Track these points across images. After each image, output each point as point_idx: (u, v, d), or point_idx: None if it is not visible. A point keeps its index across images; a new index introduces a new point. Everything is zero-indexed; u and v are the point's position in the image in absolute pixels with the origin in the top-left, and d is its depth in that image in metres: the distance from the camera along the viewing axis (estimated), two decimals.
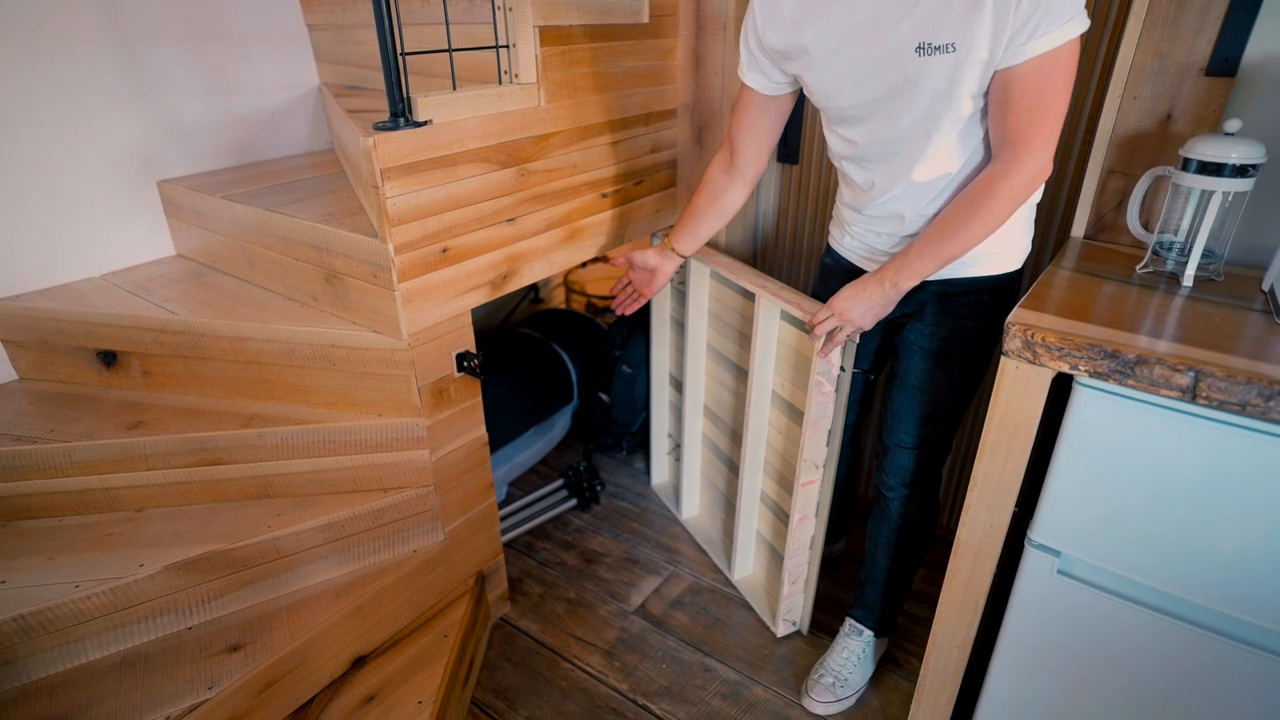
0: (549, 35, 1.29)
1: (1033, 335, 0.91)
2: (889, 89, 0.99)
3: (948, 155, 1.03)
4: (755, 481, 1.56)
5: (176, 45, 1.57)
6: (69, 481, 1.28)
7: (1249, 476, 0.85)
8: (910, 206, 1.10)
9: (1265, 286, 1.04)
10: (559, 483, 2.05)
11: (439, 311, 1.26)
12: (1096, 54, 1.36)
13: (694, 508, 1.92)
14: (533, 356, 2.14)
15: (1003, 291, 1.16)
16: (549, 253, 1.44)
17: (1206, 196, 1.03)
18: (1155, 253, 1.13)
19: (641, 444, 2.22)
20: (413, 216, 1.15)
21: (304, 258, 1.33)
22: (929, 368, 1.20)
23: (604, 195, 1.53)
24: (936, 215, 1.08)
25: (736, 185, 1.29)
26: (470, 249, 1.27)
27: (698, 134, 1.66)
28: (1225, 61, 1.09)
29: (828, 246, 1.34)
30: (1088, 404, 0.93)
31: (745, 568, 1.70)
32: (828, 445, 1.34)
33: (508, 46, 1.26)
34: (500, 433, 1.90)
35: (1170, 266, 1.11)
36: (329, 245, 1.26)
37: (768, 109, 1.18)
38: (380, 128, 1.11)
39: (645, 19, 1.49)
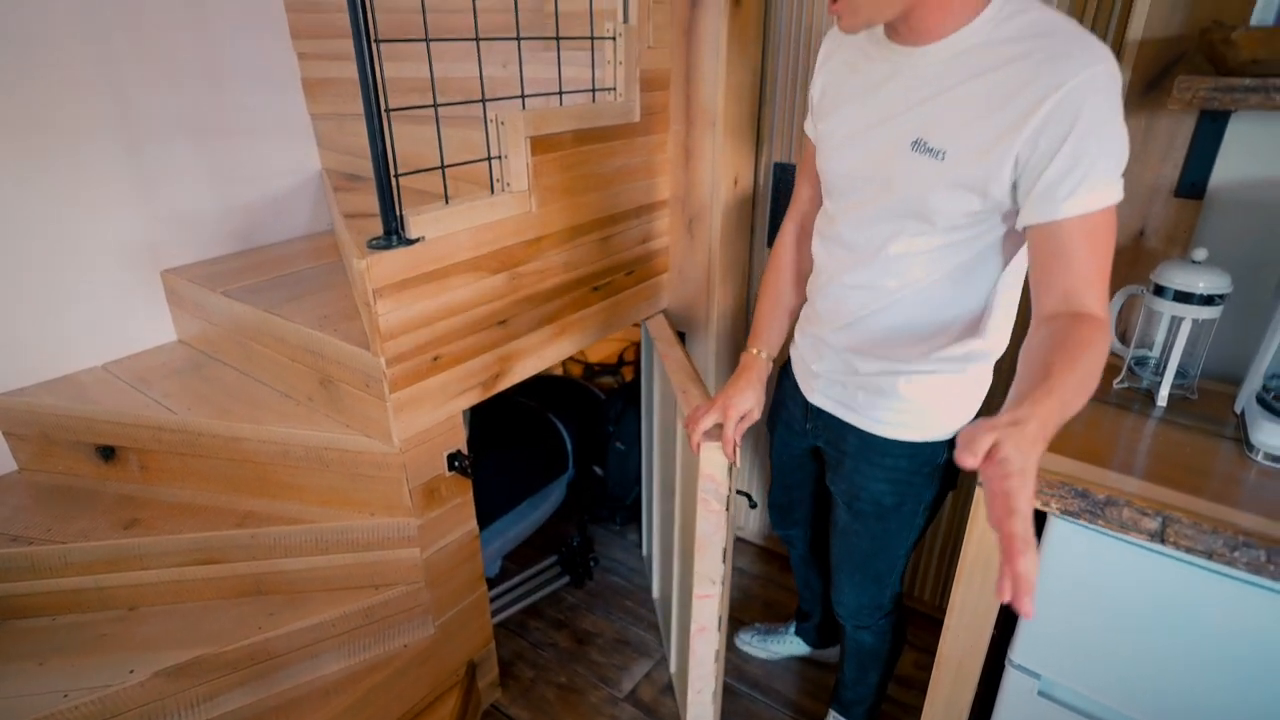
0: (540, 144, 1.33)
1: None
2: (873, 170, 0.94)
3: (905, 268, 0.95)
4: (687, 578, 1.50)
5: (184, 139, 1.62)
6: (64, 582, 1.29)
7: (1218, 616, 0.86)
8: (853, 305, 1.01)
9: (1237, 409, 1.06)
10: (553, 559, 2.06)
11: (430, 416, 1.29)
12: None
13: (670, 586, 1.92)
14: (528, 428, 2.16)
15: (923, 462, 1.06)
16: (540, 349, 1.47)
17: (1177, 321, 1.05)
18: (1131, 369, 1.15)
19: (635, 516, 2.23)
20: (404, 330, 1.18)
21: (300, 360, 1.36)
22: (850, 520, 1.16)
23: (595, 289, 1.56)
24: (884, 334, 1.00)
25: (805, 246, 1.17)
26: (461, 354, 1.30)
27: (689, 224, 1.70)
28: (1193, 185, 1.13)
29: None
30: (1062, 536, 0.94)
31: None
32: (723, 562, 1.20)
33: (500, 157, 1.30)
34: (494, 507, 1.92)
35: (1145, 383, 1.13)
36: (323, 352, 1.29)
37: None
38: (374, 246, 1.14)
39: (636, 118, 1.53)
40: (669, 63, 1.59)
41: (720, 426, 1.08)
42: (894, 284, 0.96)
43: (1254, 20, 0.92)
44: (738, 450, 1.11)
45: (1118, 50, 1.22)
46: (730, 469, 1.09)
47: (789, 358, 1.25)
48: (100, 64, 1.46)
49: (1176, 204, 1.15)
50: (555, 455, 2.17)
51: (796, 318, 1.19)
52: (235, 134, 1.71)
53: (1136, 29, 1.09)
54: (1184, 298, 1.03)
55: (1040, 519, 0.96)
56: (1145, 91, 1.11)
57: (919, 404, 1.01)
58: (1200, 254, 1.04)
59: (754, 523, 2.14)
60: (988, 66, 0.80)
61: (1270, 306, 1.06)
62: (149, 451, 1.42)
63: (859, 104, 0.94)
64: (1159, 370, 1.10)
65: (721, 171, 1.61)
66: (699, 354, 1.82)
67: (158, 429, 1.39)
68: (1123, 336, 1.21)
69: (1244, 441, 0.97)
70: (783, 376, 1.28)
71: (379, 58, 1.04)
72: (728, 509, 1.13)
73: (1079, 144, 0.75)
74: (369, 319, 1.15)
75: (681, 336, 1.80)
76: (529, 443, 2.12)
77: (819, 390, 1.13)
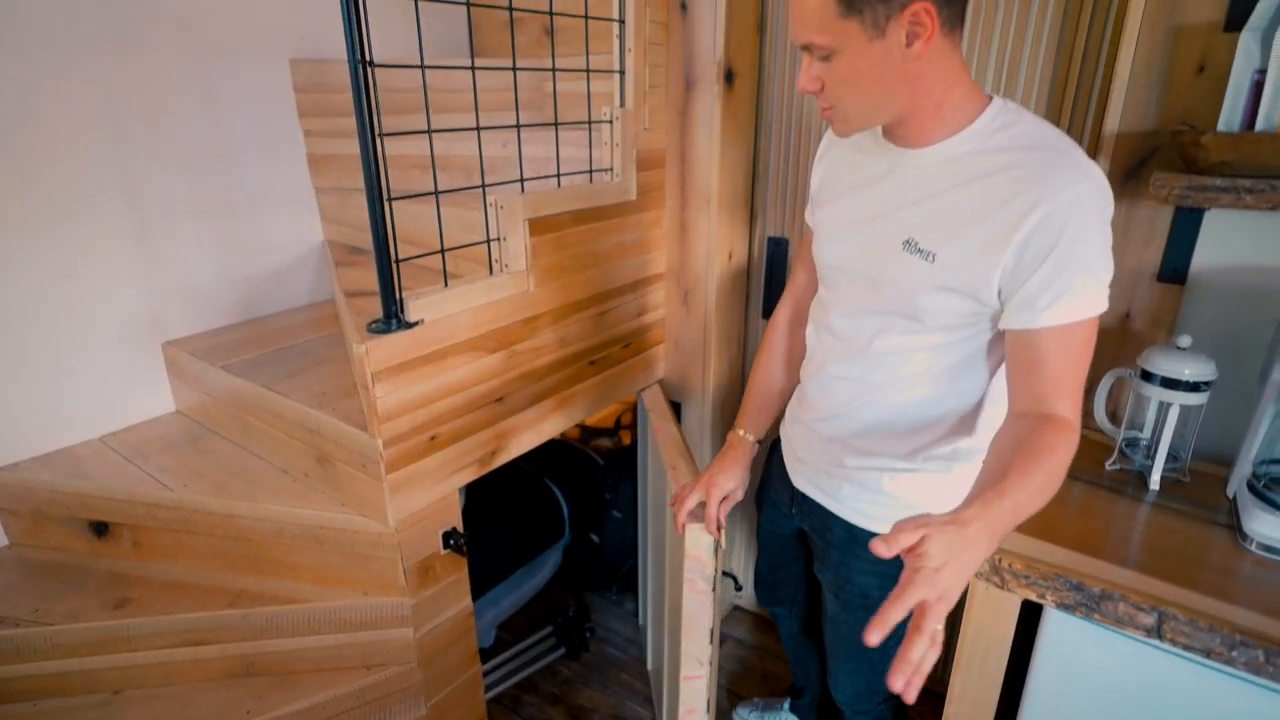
0: (538, 225, 1.36)
1: (1000, 560, 0.93)
2: (865, 265, 0.95)
3: (894, 364, 0.96)
4: (676, 659, 1.48)
5: (191, 214, 1.66)
6: (49, 665, 1.27)
7: (1220, 713, 0.85)
8: (841, 396, 1.02)
9: (1229, 493, 1.07)
10: (548, 630, 2.03)
11: (426, 495, 1.29)
12: None
13: (662, 660, 1.89)
14: (524, 493, 2.14)
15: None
16: (537, 425, 1.48)
17: (1165, 406, 1.07)
18: (1123, 451, 1.16)
19: (631, 585, 2.20)
20: (402, 411, 1.19)
21: (297, 437, 1.37)
22: (839, 609, 1.14)
23: (591, 363, 1.58)
24: (870, 428, 1.01)
25: (798, 330, 1.19)
26: (457, 433, 1.31)
27: (684, 296, 1.73)
28: (1174, 271, 1.16)
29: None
30: (1058, 627, 0.94)
31: None
32: (710, 643, 1.20)
33: (499, 239, 1.33)
34: (489, 576, 1.89)
35: (1137, 465, 1.14)
36: (321, 430, 1.30)
37: None
38: (374, 330, 1.16)
39: (633, 197, 1.57)
40: (665, 143, 1.64)
41: (704, 505, 1.10)
42: (881, 379, 0.97)
43: (1221, 125, 0.95)
44: (723, 531, 1.11)
45: (1096, 142, 1.27)
46: (716, 549, 1.09)
47: (779, 435, 1.26)
48: (112, 143, 1.50)
49: (1160, 288, 1.18)
50: (551, 521, 2.15)
51: (788, 399, 1.21)
52: (240, 208, 1.75)
53: (1113, 123, 1.14)
54: (1171, 384, 1.05)
55: (1036, 610, 0.96)
56: (1124, 181, 1.15)
57: (904, 500, 1.01)
58: (1184, 340, 1.06)
59: (751, 590, 2.12)
60: (978, 174, 0.83)
61: (1255, 392, 1.07)
62: (143, 528, 1.41)
63: (855, 198, 0.97)
64: (1150, 453, 1.11)
65: (716, 246, 1.65)
66: (694, 423, 1.83)
67: (152, 505, 1.38)
68: (1113, 416, 1.23)
69: (1237, 529, 0.98)
70: (772, 453, 1.29)
71: (383, 152, 1.08)
72: (714, 589, 1.13)
73: (1062, 257, 0.77)
74: (367, 401, 1.16)
75: (677, 406, 1.82)
76: (525, 508, 2.11)
77: (804, 476, 1.13)
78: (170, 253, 1.64)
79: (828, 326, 1.04)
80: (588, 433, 2.76)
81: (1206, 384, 1.04)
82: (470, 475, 1.37)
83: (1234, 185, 0.90)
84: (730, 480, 1.13)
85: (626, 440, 2.71)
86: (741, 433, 1.18)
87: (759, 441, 1.19)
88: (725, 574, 1.15)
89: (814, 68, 0.84)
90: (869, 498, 1.03)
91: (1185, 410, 1.06)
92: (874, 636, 0.62)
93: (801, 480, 1.14)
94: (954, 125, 0.85)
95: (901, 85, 0.82)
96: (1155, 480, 1.09)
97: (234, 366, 1.51)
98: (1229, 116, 0.95)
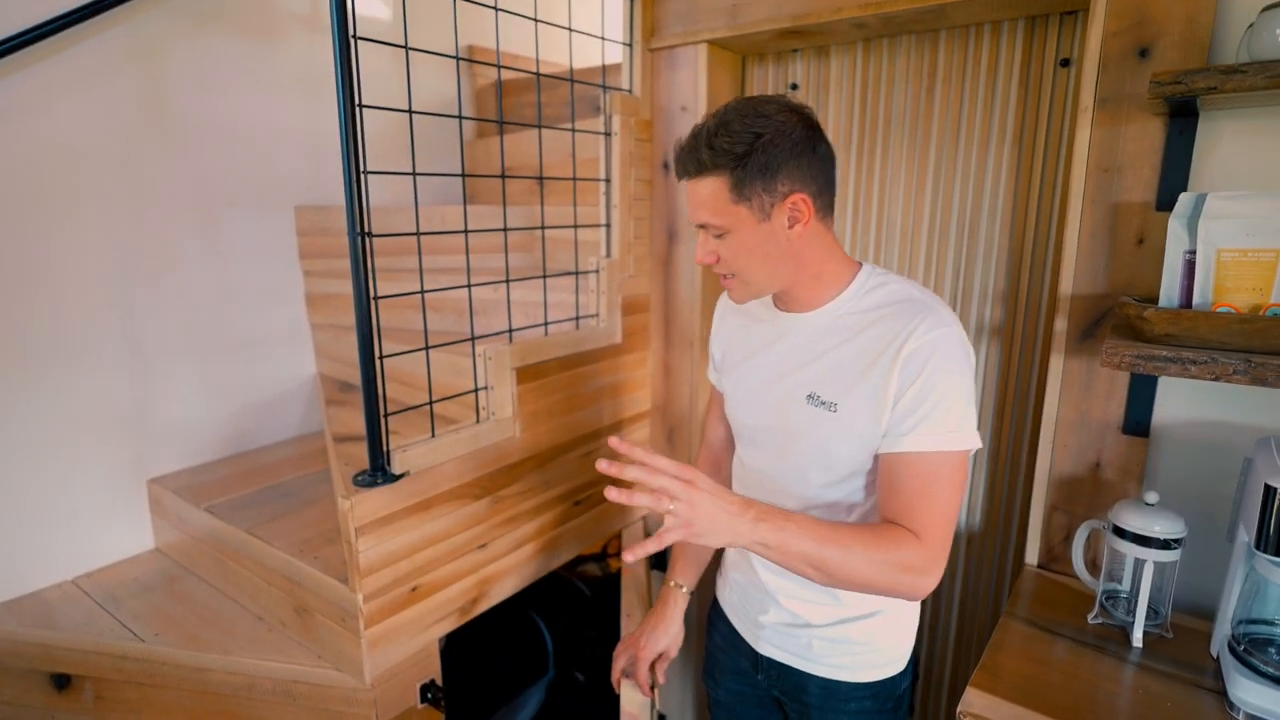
0: (525, 373, 1.41)
1: None
2: (777, 420, 1.02)
3: (829, 515, 1.01)
4: None
5: (188, 357, 1.70)
6: None
7: None
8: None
9: (1213, 651, 1.07)
10: None
11: (404, 648, 1.26)
12: (1026, 405, 1.48)
13: None
14: (507, 625, 2.08)
15: (887, 696, 1.09)
16: (521, 568, 1.47)
17: (1140, 563, 1.08)
18: (1103, 605, 1.16)
19: None
20: (384, 564, 1.19)
21: (277, 584, 1.35)
22: None
23: (576, 503, 1.59)
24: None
25: (722, 472, 1.25)
26: (440, 582, 1.30)
27: (669, 433, 1.76)
28: (1138, 424, 1.20)
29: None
30: None
31: None
32: None
33: (486, 388, 1.37)
34: (469, 717, 1.81)
35: (1119, 618, 1.14)
36: (300, 580, 1.29)
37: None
38: (360, 483, 1.17)
39: (619, 340, 1.63)
40: (649, 287, 1.72)
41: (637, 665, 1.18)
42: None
43: (1162, 300, 1.02)
44: (656, 690, 1.20)
45: (1053, 303, 1.35)
46: (651, 708, 1.15)
47: (716, 600, 1.26)
48: (118, 292, 1.56)
49: (1126, 440, 1.21)
50: (535, 656, 2.08)
51: (714, 550, 1.25)
52: (238, 347, 1.80)
53: (1067, 286, 1.21)
54: (1143, 540, 1.06)
55: None
56: (1081, 339, 1.22)
57: (876, 644, 1.05)
58: (1152, 497, 1.09)
59: None
60: (857, 330, 0.95)
61: (1226, 546, 1.09)
62: (107, 680, 1.36)
63: (756, 361, 1.07)
64: (1130, 608, 1.12)
65: (700, 386, 1.70)
66: None
67: (119, 657, 1.34)
68: (1091, 565, 1.23)
69: (1224, 695, 0.97)
70: (714, 625, 1.27)
71: (378, 315, 1.13)
72: None
73: (923, 388, 0.88)
74: (349, 555, 1.16)
75: None
76: (507, 642, 2.05)
77: (767, 641, 1.13)
78: (163, 392, 1.67)
79: (756, 483, 1.09)
80: (575, 559, 2.71)
81: (1177, 541, 1.06)
82: (451, 625, 1.34)
83: (1179, 356, 0.95)
84: (663, 638, 1.22)
85: (615, 567, 2.66)
86: (673, 584, 1.24)
87: (690, 592, 1.25)
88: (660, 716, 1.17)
89: (710, 243, 0.96)
90: (843, 649, 1.06)
91: (1160, 566, 1.08)
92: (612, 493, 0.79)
93: (765, 645, 1.14)
94: (833, 290, 0.98)
95: (787, 259, 0.95)
96: (1138, 638, 1.08)
97: (218, 508, 1.51)
98: (1168, 292, 1.02)
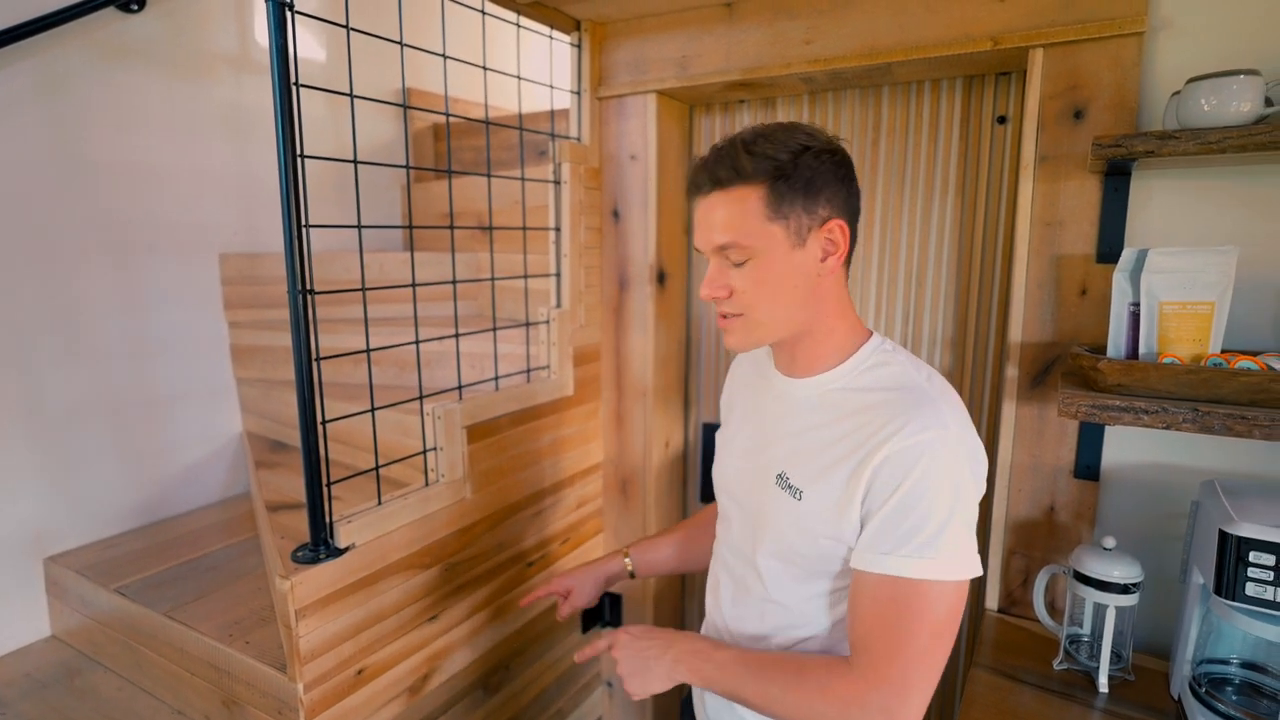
0: (476, 431, 1.34)
1: None
2: (745, 495, 0.95)
3: (782, 613, 0.90)
4: None
5: (97, 415, 1.55)
6: None
7: None
8: (743, 642, 0.96)
9: (1174, 693, 1.09)
10: None
11: None
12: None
13: None
14: None
15: None
16: (473, 638, 1.38)
17: (1102, 608, 1.10)
18: (1067, 650, 1.17)
19: None
20: (327, 648, 1.09)
21: (201, 674, 1.22)
22: None
23: (530, 564, 1.52)
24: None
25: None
26: (388, 661, 1.20)
27: (622, 485, 1.71)
28: (1088, 468, 1.23)
29: None
30: None
31: None
32: None
33: (435, 449, 1.29)
34: None
35: (1083, 663, 1.15)
36: (229, 669, 1.16)
37: None
38: (300, 560, 1.08)
39: (570, 392, 1.59)
40: (600, 337, 1.68)
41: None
42: (774, 623, 0.92)
43: (1110, 350, 1.06)
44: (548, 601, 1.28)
45: (1001, 350, 1.38)
46: None
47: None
48: (16, 344, 1.41)
49: (1077, 484, 1.25)
50: None
51: (676, 564, 1.22)
52: (155, 404, 1.66)
53: (1016, 334, 1.25)
54: (1103, 586, 1.08)
55: None
56: (1032, 386, 1.25)
57: None
58: (1109, 542, 1.11)
59: None
60: (847, 412, 0.83)
61: (1179, 586, 1.12)
62: None
63: (745, 422, 0.99)
64: (1094, 653, 1.13)
65: (653, 436, 1.66)
66: (634, 617, 1.75)
67: None
68: (1050, 608, 1.25)
69: None
70: None
71: (320, 377, 1.05)
72: None
73: (906, 500, 0.75)
74: (288, 640, 1.06)
75: (616, 598, 1.74)
76: None
77: None
78: (68, 456, 1.51)
79: (722, 566, 1.01)
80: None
81: (1135, 585, 1.08)
82: (400, 708, 1.24)
83: (1132, 406, 0.98)
84: (571, 580, 1.19)
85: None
86: (623, 554, 1.21)
87: (634, 574, 1.21)
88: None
89: (726, 274, 0.84)
90: None
91: (1121, 610, 1.09)
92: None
93: None
94: (836, 357, 0.87)
95: (811, 300, 0.84)
96: (1103, 683, 1.10)
97: (129, 588, 1.36)
98: (1115, 342, 1.06)
